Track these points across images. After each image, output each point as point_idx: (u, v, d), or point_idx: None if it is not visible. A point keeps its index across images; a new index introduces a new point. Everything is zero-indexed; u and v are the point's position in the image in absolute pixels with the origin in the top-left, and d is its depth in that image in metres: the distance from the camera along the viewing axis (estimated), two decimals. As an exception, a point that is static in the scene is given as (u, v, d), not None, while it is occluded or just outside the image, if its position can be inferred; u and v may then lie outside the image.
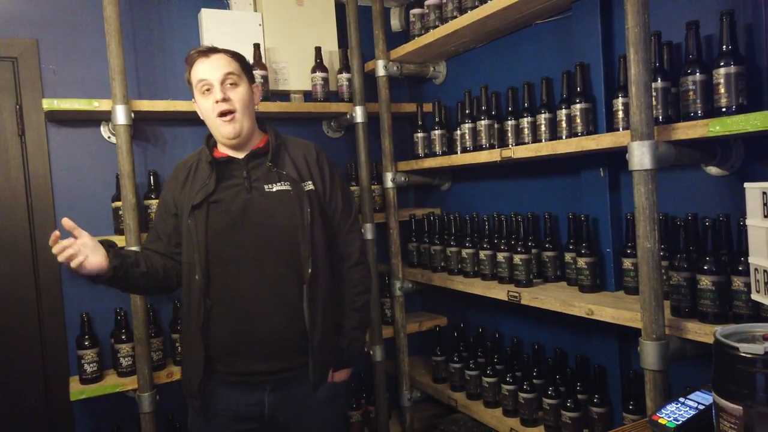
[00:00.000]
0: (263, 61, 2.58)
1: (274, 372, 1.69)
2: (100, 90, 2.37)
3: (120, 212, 2.24)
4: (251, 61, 2.55)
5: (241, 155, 1.74)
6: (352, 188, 2.78)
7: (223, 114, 1.67)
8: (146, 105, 2.28)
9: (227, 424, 1.71)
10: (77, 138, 2.43)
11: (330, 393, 1.77)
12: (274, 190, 1.71)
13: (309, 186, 1.74)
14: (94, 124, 2.45)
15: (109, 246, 1.61)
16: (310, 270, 1.67)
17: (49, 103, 2.15)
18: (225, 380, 1.70)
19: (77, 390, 2.20)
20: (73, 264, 1.49)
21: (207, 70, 1.68)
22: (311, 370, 1.69)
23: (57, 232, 1.50)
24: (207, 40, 2.55)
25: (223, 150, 1.77)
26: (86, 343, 2.25)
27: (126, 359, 2.28)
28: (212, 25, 2.56)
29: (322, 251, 1.73)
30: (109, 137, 2.45)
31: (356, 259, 1.83)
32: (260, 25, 2.64)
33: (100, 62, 2.35)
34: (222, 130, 1.69)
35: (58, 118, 2.37)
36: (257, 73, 2.53)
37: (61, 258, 1.49)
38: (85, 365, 2.23)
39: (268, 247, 1.68)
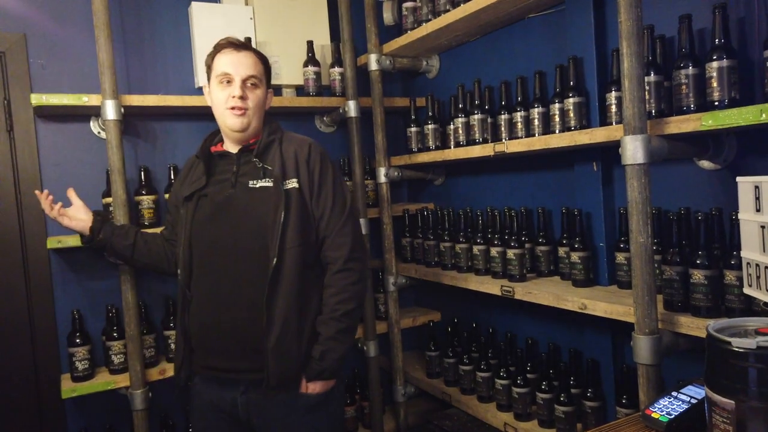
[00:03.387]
0: (255, 55, 2.56)
1: (241, 371, 1.67)
2: (90, 85, 2.35)
3: (111, 208, 2.21)
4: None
5: (236, 150, 1.76)
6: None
7: (234, 108, 1.69)
8: (136, 100, 2.25)
9: (212, 415, 1.74)
10: (66, 133, 2.40)
11: (305, 403, 1.68)
12: (258, 186, 1.70)
13: (292, 184, 1.69)
14: (83, 120, 2.42)
15: (98, 213, 1.92)
16: (272, 270, 1.62)
17: (37, 98, 2.12)
18: (203, 373, 1.74)
19: (69, 388, 2.18)
20: (54, 212, 1.88)
21: (233, 65, 1.69)
22: (267, 372, 1.62)
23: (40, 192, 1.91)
24: (197, 34, 2.52)
25: (225, 144, 1.80)
26: (77, 340, 2.23)
27: (118, 356, 2.26)
28: (203, 19, 2.53)
29: (295, 252, 1.65)
30: (98, 132, 2.43)
31: (341, 264, 1.71)
32: (251, 18, 2.62)
33: (89, 56, 2.33)
34: (228, 121, 1.71)
35: (47, 114, 2.35)
36: (249, 68, 2.51)
37: (46, 203, 1.88)
38: (77, 363, 2.21)
39: (241, 243, 1.67)
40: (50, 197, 1.89)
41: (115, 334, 2.27)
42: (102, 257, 2.42)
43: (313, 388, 1.69)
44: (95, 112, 2.30)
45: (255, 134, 1.77)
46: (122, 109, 2.17)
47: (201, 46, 2.54)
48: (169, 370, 2.31)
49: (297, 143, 1.77)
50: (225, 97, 1.70)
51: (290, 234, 1.65)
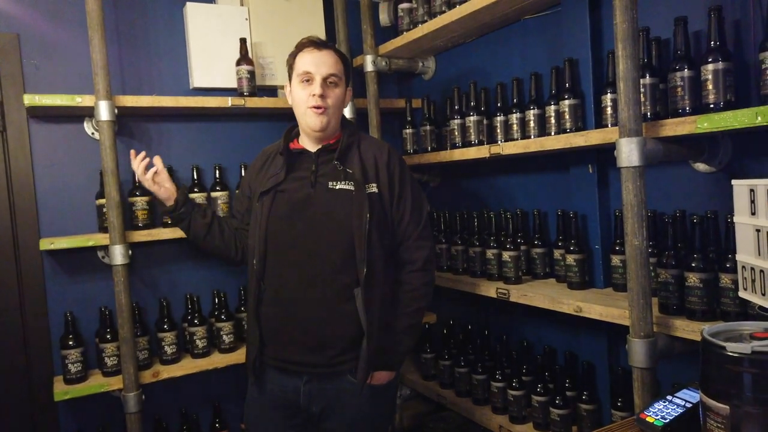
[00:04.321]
0: (250, 56, 2.55)
1: (312, 365, 1.71)
2: (84, 85, 2.33)
3: (104, 210, 2.20)
4: (237, 56, 2.52)
5: (314, 149, 1.78)
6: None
7: (315, 107, 1.71)
8: (130, 101, 2.24)
9: (271, 408, 1.77)
10: (60, 134, 2.38)
11: (366, 392, 1.71)
12: (337, 188, 1.72)
13: (372, 188, 1.72)
14: (77, 120, 2.40)
15: (180, 185, 1.95)
16: (365, 272, 1.65)
17: (30, 99, 2.10)
18: (272, 364, 1.76)
19: (61, 390, 2.16)
20: (149, 174, 1.87)
21: (314, 64, 1.72)
22: (360, 370, 1.67)
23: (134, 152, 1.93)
24: (192, 34, 2.51)
25: (301, 142, 1.83)
26: (70, 342, 2.21)
27: (111, 359, 2.24)
28: (198, 20, 2.52)
29: (379, 254, 1.70)
30: (92, 133, 2.41)
31: (420, 265, 1.77)
32: (247, 19, 2.61)
33: (83, 57, 2.31)
34: (309, 121, 1.73)
35: (41, 114, 2.33)
36: (243, 68, 2.50)
37: (139, 165, 1.88)
38: (70, 365, 2.20)
39: (322, 243, 1.70)
40: (146, 160, 1.89)
41: (108, 336, 2.25)
42: (94, 258, 2.41)
43: (378, 378, 1.73)
44: (89, 112, 2.28)
45: (334, 133, 1.79)
46: (116, 110, 2.15)
47: (196, 47, 2.53)
48: (162, 372, 2.29)
49: (376, 147, 1.81)
50: (306, 96, 1.72)
51: (374, 236, 1.69)
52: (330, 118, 1.74)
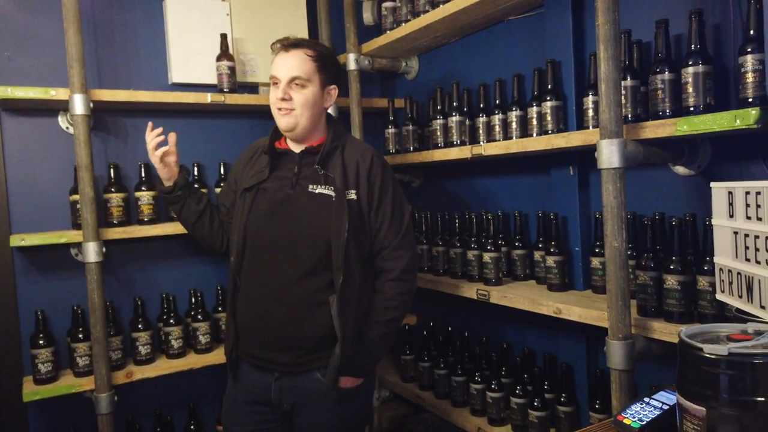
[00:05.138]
0: (230, 52, 2.51)
1: (282, 363, 1.71)
2: (59, 78, 2.27)
3: (78, 206, 2.15)
4: (218, 51, 2.48)
5: (298, 150, 1.78)
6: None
7: (280, 109, 1.73)
8: (106, 95, 2.19)
9: (245, 403, 1.77)
10: (33, 128, 2.32)
11: (335, 394, 1.70)
12: (317, 192, 1.71)
13: (351, 195, 1.70)
14: (51, 114, 2.34)
15: (184, 169, 1.93)
16: (341, 280, 1.64)
17: (2, 91, 2.05)
18: (246, 359, 1.78)
19: (31, 391, 2.10)
20: (158, 152, 1.80)
21: (280, 68, 1.72)
22: (329, 374, 1.65)
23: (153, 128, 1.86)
24: (172, 29, 2.47)
25: (287, 142, 1.82)
26: (41, 341, 2.15)
27: (83, 359, 2.19)
28: (178, 14, 2.48)
29: (356, 262, 1.69)
30: (67, 128, 2.35)
31: (397, 275, 1.74)
32: (228, 14, 2.57)
33: (58, 49, 2.25)
34: (278, 121, 1.75)
35: (13, 107, 2.27)
36: (223, 64, 2.46)
37: (153, 140, 1.81)
38: (40, 365, 2.14)
39: (298, 245, 1.69)
40: (160, 138, 1.83)
41: (80, 336, 2.20)
42: (67, 256, 2.35)
43: (344, 382, 1.72)
44: (63, 106, 2.23)
45: (309, 132, 1.77)
46: (91, 104, 2.11)
47: (175, 41, 2.49)
48: (136, 373, 2.25)
49: (360, 153, 1.78)
50: (273, 99, 1.73)
51: (352, 245, 1.68)
52: (297, 119, 1.72)
